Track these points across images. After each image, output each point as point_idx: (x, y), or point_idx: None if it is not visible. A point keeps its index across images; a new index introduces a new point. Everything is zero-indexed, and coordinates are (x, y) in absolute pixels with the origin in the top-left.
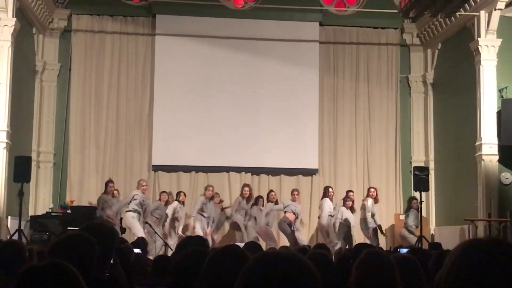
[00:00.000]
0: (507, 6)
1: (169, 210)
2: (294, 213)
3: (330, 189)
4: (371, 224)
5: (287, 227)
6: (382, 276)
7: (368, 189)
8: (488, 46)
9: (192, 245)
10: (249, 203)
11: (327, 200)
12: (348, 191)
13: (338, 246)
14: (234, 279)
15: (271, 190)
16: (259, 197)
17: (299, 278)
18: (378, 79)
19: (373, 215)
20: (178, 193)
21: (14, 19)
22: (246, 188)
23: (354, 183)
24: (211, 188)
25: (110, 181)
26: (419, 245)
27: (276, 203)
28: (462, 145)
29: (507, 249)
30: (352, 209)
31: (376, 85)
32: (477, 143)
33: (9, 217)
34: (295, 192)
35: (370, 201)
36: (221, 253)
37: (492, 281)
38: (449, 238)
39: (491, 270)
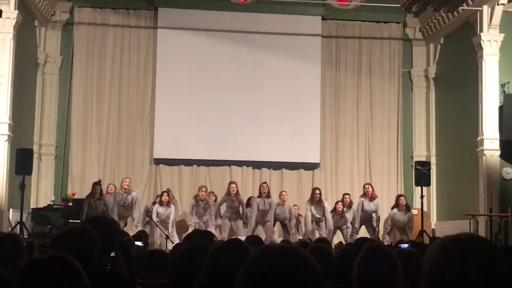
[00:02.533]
0: (509, 1)
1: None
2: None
3: (317, 191)
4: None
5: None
6: (384, 270)
7: (363, 186)
8: (491, 41)
9: (197, 239)
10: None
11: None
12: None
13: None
14: (235, 272)
15: (264, 183)
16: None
17: (300, 271)
18: (380, 74)
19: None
20: (161, 194)
21: (16, 11)
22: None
23: (355, 178)
24: (204, 189)
25: (97, 183)
26: (421, 239)
27: (268, 196)
28: (464, 140)
29: (485, 244)
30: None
31: (378, 80)
32: (478, 138)
33: (11, 210)
34: (284, 193)
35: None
36: (223, 246)
37: (471, 275)
38: (450, 232)
39: (470, 265)
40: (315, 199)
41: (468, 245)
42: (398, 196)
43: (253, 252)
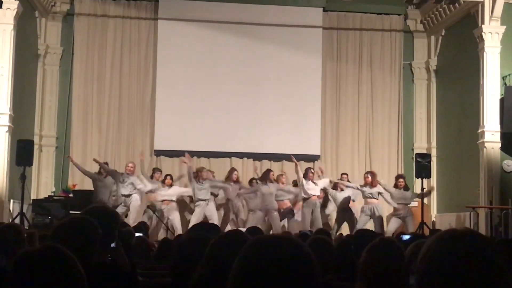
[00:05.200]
0: None
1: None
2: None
3: (310, 170)
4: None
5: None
6: (391, 264)
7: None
8: (492, 33)
9: (202, 230)
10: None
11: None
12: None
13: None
14: None
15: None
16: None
17: (294, 260)
18: (381, 66)
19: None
20: (164, 177)
21: (17, 2)
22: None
23: (356, 169)
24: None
25: (105, 163)
26: (421, 231)
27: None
28: (465, 132)
29: (479, 240)
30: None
31: (379, 72)
32: (479, 130)
33: (12, 201)
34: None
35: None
36: (224, 237)
37: (464, 270)
38: (450, 225)
39: (463, 260)
40: (309, 178)
41: (463, 237)
42: (398, 177)
43: (249, 242)
